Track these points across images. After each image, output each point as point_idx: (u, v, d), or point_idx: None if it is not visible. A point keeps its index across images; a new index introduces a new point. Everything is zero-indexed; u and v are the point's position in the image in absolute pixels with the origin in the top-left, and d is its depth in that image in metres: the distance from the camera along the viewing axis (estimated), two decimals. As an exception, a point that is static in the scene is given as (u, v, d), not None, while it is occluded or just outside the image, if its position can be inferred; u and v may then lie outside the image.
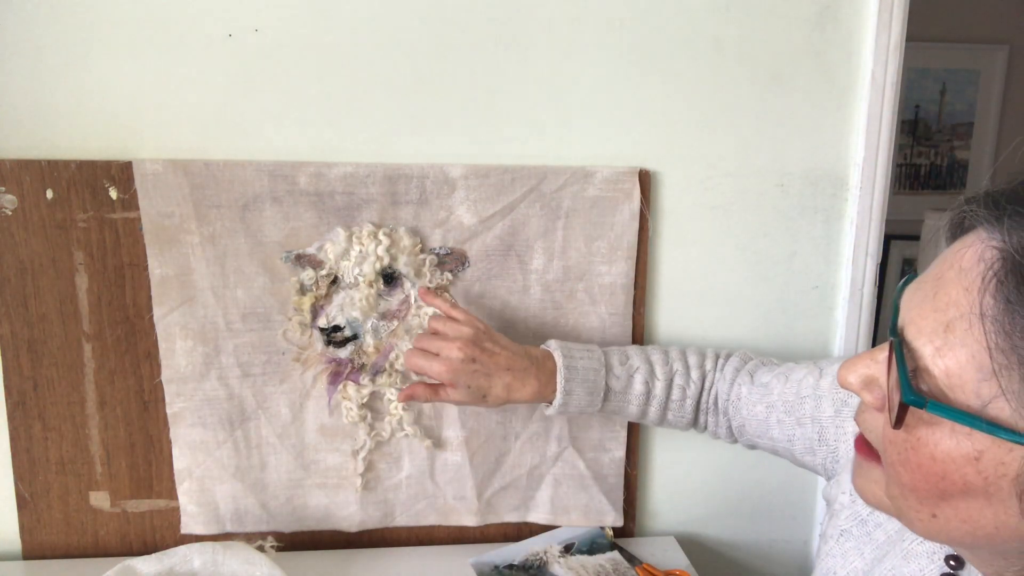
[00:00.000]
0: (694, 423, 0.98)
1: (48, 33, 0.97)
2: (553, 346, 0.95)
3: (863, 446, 0.53)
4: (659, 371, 0.95)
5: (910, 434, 0.46)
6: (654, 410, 0.95)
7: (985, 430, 0.42)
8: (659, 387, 0.94)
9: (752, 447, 0.96)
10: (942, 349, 0.44)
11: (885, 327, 0.54)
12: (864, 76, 1.08)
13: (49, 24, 0.97)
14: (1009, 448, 0.42)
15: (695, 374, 0.96)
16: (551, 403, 0.92)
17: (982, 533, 0.45)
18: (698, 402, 0.96)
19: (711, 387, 0.96)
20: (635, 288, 1.09)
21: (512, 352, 0.92)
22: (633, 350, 0.98)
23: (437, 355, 0.90)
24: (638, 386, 0.94)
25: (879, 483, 0.51)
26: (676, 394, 0.95)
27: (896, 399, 0.45)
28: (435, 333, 0.93)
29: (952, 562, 0.60)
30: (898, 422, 0.45)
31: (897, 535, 0.67)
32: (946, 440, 0.44)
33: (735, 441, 0.98)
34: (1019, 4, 2.40)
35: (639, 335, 1.11)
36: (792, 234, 1.13)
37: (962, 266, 0.45)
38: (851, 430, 0.77)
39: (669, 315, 1.14)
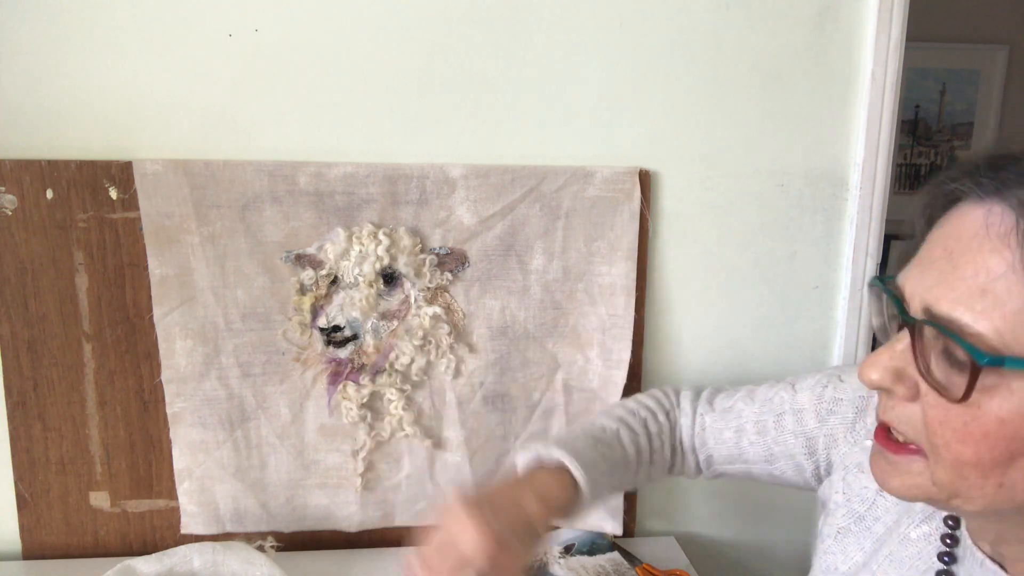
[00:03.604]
0: (671, 465, 0.90)
1: (48, 33, 0.97)
2: (545, 450, 0.78)
3: (893, 443, 0.53)
4: (635, 424, 0.87)
5: (968, 407, 0.46)
6: (644, 465, 0.86)
7: None
8: (643, 440, 0.86)
9: (718, 477, 0.90)
10: (986, 311, 0.45)
11: (885, 327, 0.55)
12: (864, 76, 1.08)
13: (49, 24, 0.97)
14: None
15: (660, 416, 0.89)
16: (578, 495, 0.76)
17: None
18: (672, 444, 0.89)
19: (674, 426, 0.90)
20: (635, 288, 1.09)
21: (504, 479, 0.76)
22: (599, 416, 0.88)
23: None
24: (629, 448, 0.84)
25: (922, 474, 0.51)
26: (656, 442, 0.87)
27: (942, 378, 0.47)
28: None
29: (948, 541, 0.61)
30: (968, 391, 0.45)
31: (895, 524, 0.67)
32: (1010, 398, 0.45)
33: (699, 474, 0.91)
34: (1019, 4, 2.40)
35: (639, 335, 1.11)
36: (792, 234, 1.13)
37: (974, 234, 0.47)
38: (841, 436, 0.76)
39: (669, 315, 1.13)
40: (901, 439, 0.52)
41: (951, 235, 0.49)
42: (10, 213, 0.99)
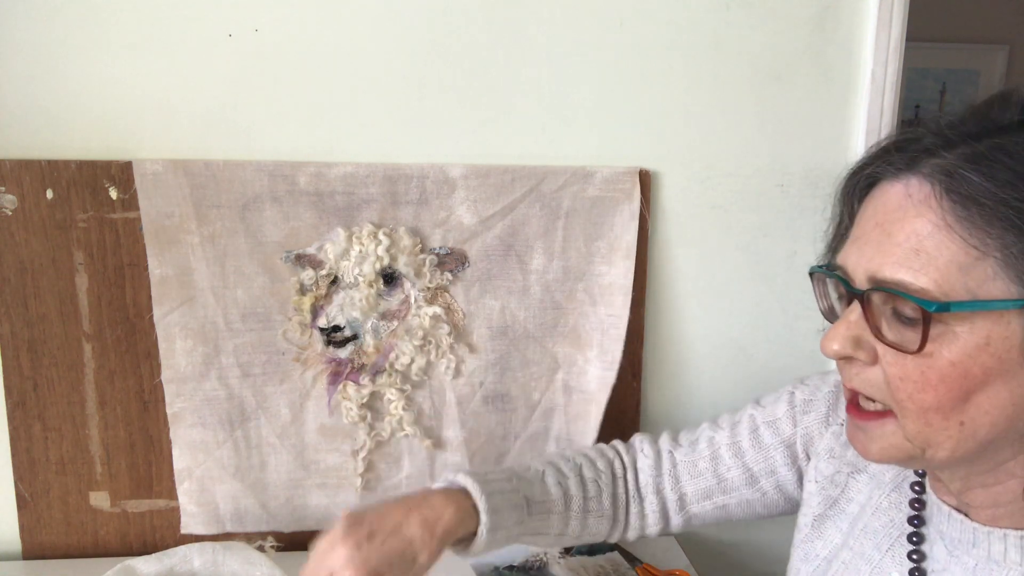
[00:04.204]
0: (614, 520, 0.84)
1: (48, 33, 0.97)
2: (452, 476, 0.78)
3: (864, 413, 0.57)
4: (565, 468, 0.83)
5: (922, 357, 0.51)
6: (575, 513, 0.81)
7: (990, 307, 0.49)
8: (573, 484, 0.82)
9: (687, 523, 0.86)
10: (923, 268, 0.51)
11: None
12: (864, 76, 1.08)
13: (49, 24, 0.97)
14: (1007, 321, 0.50)
15: (600, 463, 0.85)
16: (475, 534, 0.73)
17: (1003, 416, 0.51)
18: (614, 493, 0.84)
19: (623, 474, 0.86)
20: (635, 288, 1.09)
21: (395, 498, 0.74)
22: (533, 461, 0.85)
23: None
24: (553, 489, 0.80)
25: (895, 434, 0.55)
26: (591, 489, 0.83)
27: (896, 338, 0.52)
28: None
29: (916, 504, 0.65)
30: (923, 341, 0.50)
31: (867, 500, 0.70)
32: (956, 342, 0.51)
33: (663, 524, 0.86)
34: (1019, 4, 2.40)
35: (639, 335, 1.11)
36: (792, 234, 1.13)
37: (899, 205, 0.53)
38: (816, 431, 0.78)
39: (669, 315, 1.14)
40: (871, 408, 0.57)
41: (878, 211, 0.55)
42: (10, 213, 0.99)
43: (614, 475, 0.86)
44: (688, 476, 0.84)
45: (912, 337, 0.51)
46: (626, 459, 0.87)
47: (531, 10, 1.02)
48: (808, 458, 0.78)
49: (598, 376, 1.10)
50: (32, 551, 1.08)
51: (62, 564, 1.06)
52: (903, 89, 1.10)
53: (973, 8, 2.39)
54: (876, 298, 0.53)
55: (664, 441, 0.88)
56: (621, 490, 0.85)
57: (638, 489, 0.86)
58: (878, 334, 0.53)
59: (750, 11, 1.05)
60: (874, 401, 0.56)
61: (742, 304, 1.14)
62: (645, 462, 0.87)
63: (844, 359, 0.56)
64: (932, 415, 0.52)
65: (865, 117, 1.09)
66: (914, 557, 0.63)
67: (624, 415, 1.13)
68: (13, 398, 1.04)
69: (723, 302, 1.14)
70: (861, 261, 0.54)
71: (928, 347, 0.50)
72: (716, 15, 1.05)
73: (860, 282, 0.54)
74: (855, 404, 0.58)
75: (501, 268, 1.07)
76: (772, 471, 0.81)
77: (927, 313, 0.50)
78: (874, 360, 0.55)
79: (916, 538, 0.64)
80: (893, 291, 0.52)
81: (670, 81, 1.06)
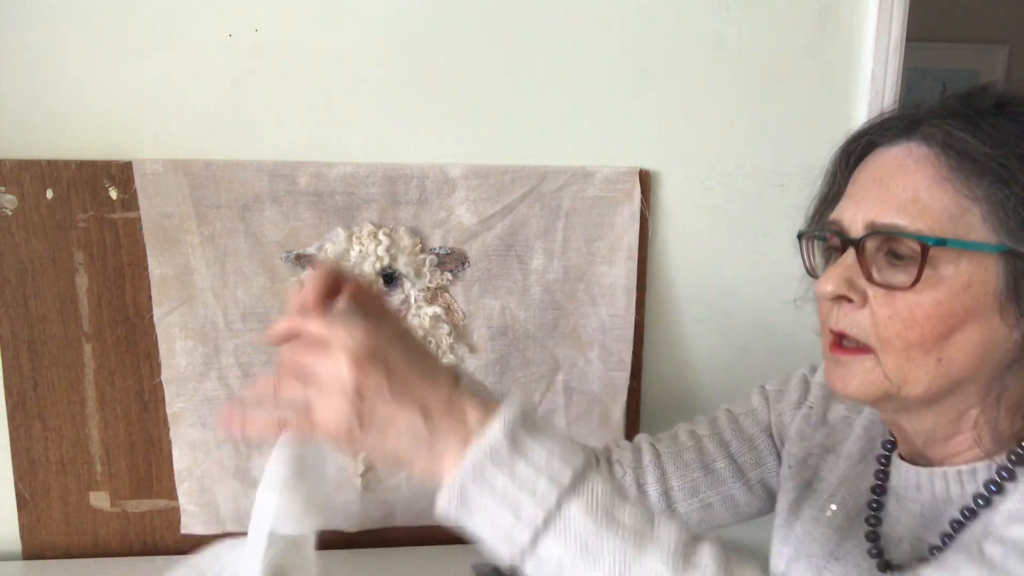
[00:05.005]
0: None
1: (48, 33, 0.97)
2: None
3: (845, 349, 0.61)
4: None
5: (912, 294, 0.56)
6: None
7: (976, 248, 0.55)
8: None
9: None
10: (920, 215, 0.56)
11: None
12: (864, 76, 1.08)
13: (49, 24, 0.97)
14: (987, 267, 0.56)
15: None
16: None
17: (975, 356, 0.57)
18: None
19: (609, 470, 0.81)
20: (635, 288, 1.09)
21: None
22: None
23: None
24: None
25: (874, 371, 0.59)
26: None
27: (888, 279, 0.57)
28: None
29: (882, 460, 0.69)
30: (919, 275, 0.55)
31: (838, 477, 0.74)
32: (942, 283, 0.56)
33: None
34: (1019, 4, 2.40)
35: (639, 335, 1.11)
36: (792, 234, 1.13)
37: (898, 163, 0.59)
38: (788, 414, 0.81)
39: (669, 315, 1.13)
40: (852, 345, 0.61)
41: (877, 169, 0.61)
42: (10, 213, 0.99)
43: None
44: (674, 467, 0.81)
45: (904, 278, 0.56)
46: (599, 455, 0.82)
47: (531, 10, 1.02)
48: (783, 444, 0.81)
49: (601, 377, 1.10)
50: (32, 551, 1.08)
51: (62, 564, 1.06)
52: (903, 89, 1.10)
53: (973, 8, 2.39)
54: (870, 244, 0.58)
55: (640, 438, 0.85)
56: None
57: (623, 480, 0.80)
58: (870, 277, 0.58)
59: (750, 11, 1.05)
60: (857, 342, 0.60)
61: (742, 304, 1.14)
62: (622, 455, 0.82)
63: (836, 300, 0.60)
64: (915, 351, 0.57)
65: (865, 117, 1.08)
66: (871, 521, 0.68)
67: (624, 415, 1.13)
68: (13, 398, 1.04)
69: (723, 302, 1.14)
70: (859, 212, 0.60)
71: (919, 286, 0.56)
72: (716, 15, 1.05)
73: (856, 231, 0.59)
74: (837, 344, 0.62)
75: (501, 268, 1.07)
76: (758, 462, 0.81)
77: (925, 247, 0.55)
78: (864, 302, 0.59)
79: (876, 505, 0.68)
80: (892, 232, 0.57)
81: (670, 81, 1.06)
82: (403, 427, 0.49)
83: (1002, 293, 0.56)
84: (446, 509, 0.49)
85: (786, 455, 0.79)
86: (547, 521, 0.47)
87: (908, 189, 0.57)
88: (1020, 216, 0.55)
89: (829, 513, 0.72)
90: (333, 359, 0.48)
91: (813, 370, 0.83)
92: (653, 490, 0.81)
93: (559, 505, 0.47)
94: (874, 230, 0.58)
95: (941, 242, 0.55)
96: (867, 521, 0.68)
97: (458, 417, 0.50)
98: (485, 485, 0.48)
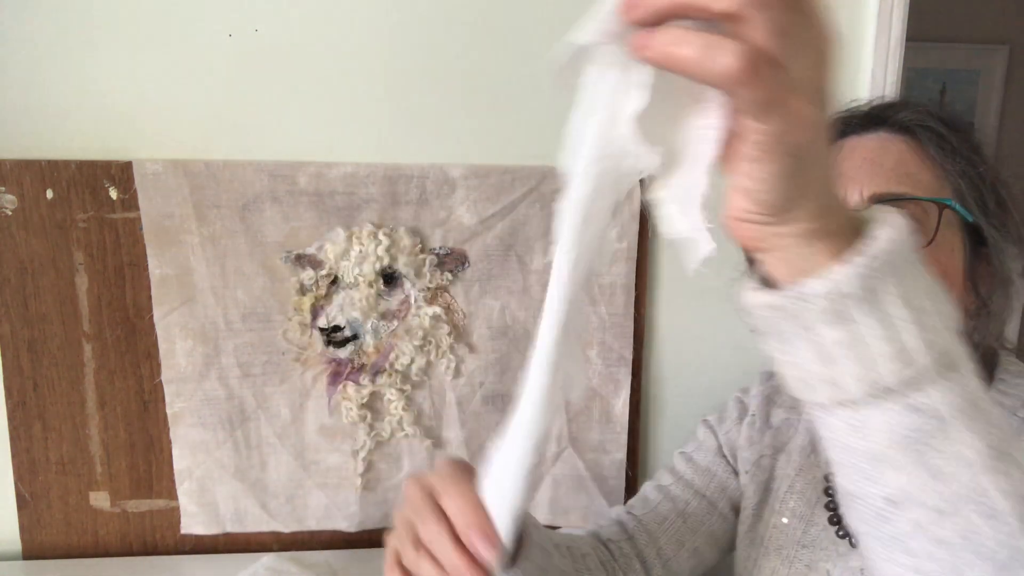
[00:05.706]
0: None
1: (48, 33, 0.97)
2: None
3: None
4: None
5: (924, 253, 0.55)
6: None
7: (964, 216, 0.62)
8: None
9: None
10: (916, 184, 0.62)
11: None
12: (864, 76, 1.08)
13: (49, 24, 0.97)
14: (960, 238, 0.62)
15: (579, 552, 0.74)
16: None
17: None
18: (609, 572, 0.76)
19: (602, 549, 0.78)
20: (635, 288, 1.09)
21: None
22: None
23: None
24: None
25: None
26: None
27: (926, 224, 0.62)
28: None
29: None
30: (936, 231, 0.60)
31: (793, 471, 0.77)
32: (943, 246, 0.61)
33: None
34: (1019, 4, 2.39)
35: (639, 335, 1.11)
36: (792, 234, 1.13)
37: (878, 144, 0.64)
38: (734, 430, 0.84)
39: (669, 315, 1.13)
40: None
41: (861, 151, 0.64)
42: (10, 213, 0.99)
43: (601, 560, 0.76)
44: (657, 524, 0.80)
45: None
46: (591, 541, 0.78)
47: (531, 10, 1.02)
48: (736, 458, 0.83)
49: (602, 373, 1.10)
50: (32, 551, 1.08)
51: (62, 564, 1.06)
52: (903, 89, 1.10)
53: (973, 8, 2.38)
54: None
55: (616, 511, 0.83)
56: (607, 558, 0.77)
57: (623, 556, 0.78)
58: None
59: (750, 11, 1.05)
60: None
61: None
62: (610, 531, 0.79)
63: None
64: None
65: (865, 117, 1.09)
66: (831, 506, 0.70)
67: (626, 411, 1.13)
68: (13, 398, 1.04)
69: (723, 302, 1.14)
70: (859, 187, 0.62)
71: (931, 246, 0.60)
72: (716, 15, 1.05)
73: (857, 205, 0.62)
74: None
75: (501, 268, 1.07)
76: (722, 487, 0.82)
77: (941, 207, 0.60)
78: None
79: (833, 489, 0.70)
80: (904, 198, 0.61)
81: (670, 81, 1.06)
82: (820, 150, 0.36)
83: (966, 261, 0.62)
84: (824, 297, 0.37)
85: (741, 462, 0.81)
86: (942, 363, 0.37)
87: (899, 164, 0.62)
88: (982, 193, 0.62)
89: (792, 504, 0.74)
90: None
91: (745, 391, 0.87)
92: (650, 551, 0.78)
93: (960, 352, 0.38)
94: (879, 199, 0.61)
95: (948, 202, 0.61)
96: (827, 507, 0.70)
97: (848, 213, 0.40)
98: (875, 298, 0.37)
